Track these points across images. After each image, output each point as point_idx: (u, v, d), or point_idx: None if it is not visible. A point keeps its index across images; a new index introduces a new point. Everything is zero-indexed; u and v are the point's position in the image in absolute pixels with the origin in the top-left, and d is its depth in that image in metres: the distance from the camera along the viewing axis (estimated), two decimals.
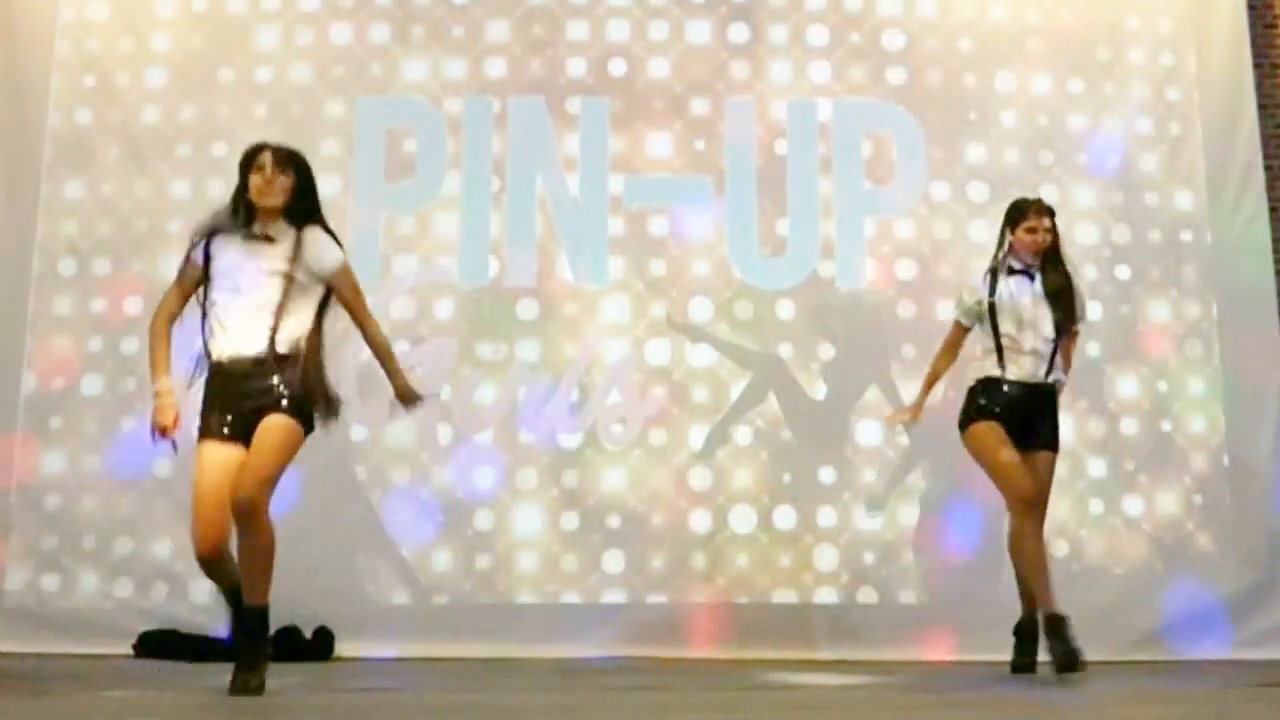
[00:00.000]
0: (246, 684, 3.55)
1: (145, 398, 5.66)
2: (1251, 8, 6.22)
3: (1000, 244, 4.74)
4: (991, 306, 4.61)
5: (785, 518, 5.63)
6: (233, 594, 3.73)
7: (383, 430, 5.63)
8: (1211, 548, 5.65)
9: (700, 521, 5.62)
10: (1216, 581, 5.55)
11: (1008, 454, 4.48)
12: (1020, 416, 4.54)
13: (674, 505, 5.63)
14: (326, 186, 5.79)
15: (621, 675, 4.42)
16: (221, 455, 3.64)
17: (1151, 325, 5.88)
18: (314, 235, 3.79)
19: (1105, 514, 5.66)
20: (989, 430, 4.53)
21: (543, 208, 5.87)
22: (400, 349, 5.66)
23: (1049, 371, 4.59)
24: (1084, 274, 5.77)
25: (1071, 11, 6.13)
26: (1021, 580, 4.54)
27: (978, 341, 4.73)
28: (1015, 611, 4.67)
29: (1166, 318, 5.87)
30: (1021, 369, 4.57)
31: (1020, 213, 4.67)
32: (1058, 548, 5.53)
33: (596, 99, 5.98)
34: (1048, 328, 4.57)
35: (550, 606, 5.52)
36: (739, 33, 6.05)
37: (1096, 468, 5.71)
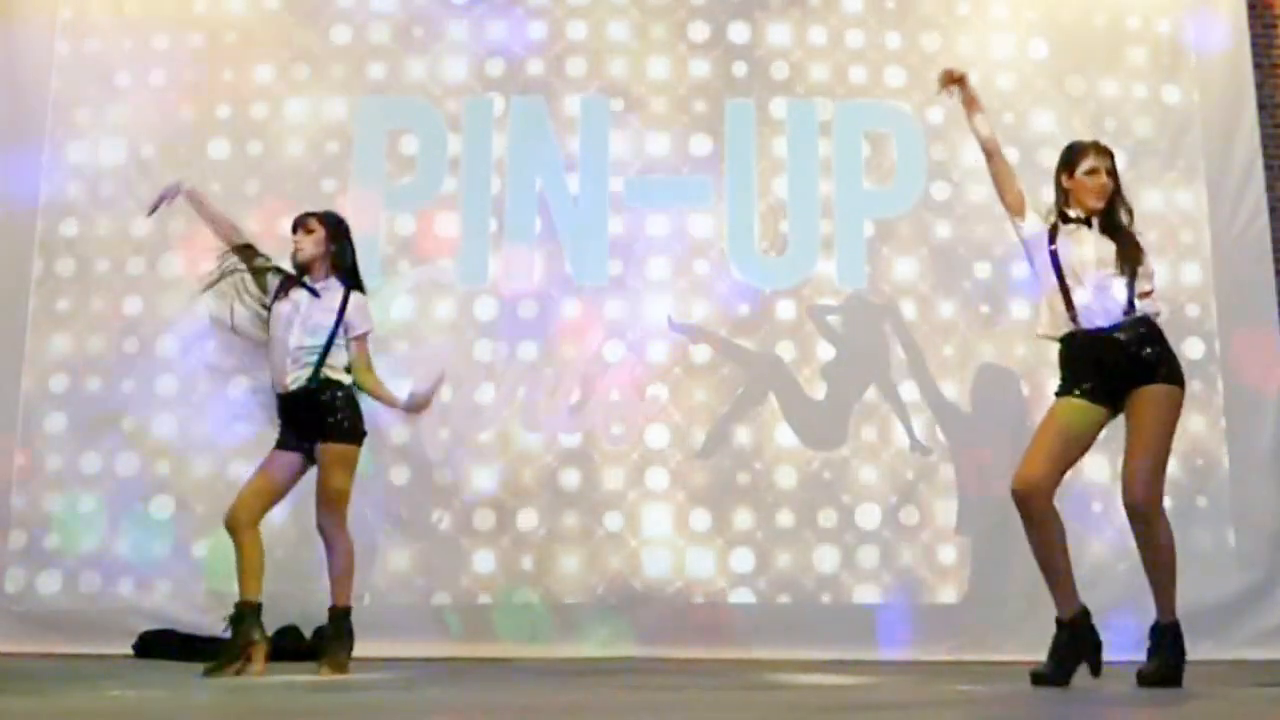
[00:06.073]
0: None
1: (145, 398, 5.71)
2: (1251, 8, 6.22)
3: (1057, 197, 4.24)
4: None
5: (785, 518, 5.63)
6: None
7: (383, 431, 5.63)
8: (1211, 548, 5.65)
9: (700, 521, 5.62)
10: (1216, 581, 5.54)
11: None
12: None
13: (674, 505, 5.63)
14: (327, 187, 5.86)
15: (621, 675, 4.42)
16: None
17: None
18: None
19: (1105, 514, 5.65)
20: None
21: (543, 208, 5.88)
22: (400, 349, 5.68)
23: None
24: None
25: (1071, 12, 6.13)
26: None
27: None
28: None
29: (1166, 317, 5.85)
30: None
31: (1075, 154, 4.17)
32: None
33: (596, 99, 5.98)
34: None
35: (550, 606, 5.53)
36: (739, 33, 6.06)
37: (1096, 467, 5.69)
